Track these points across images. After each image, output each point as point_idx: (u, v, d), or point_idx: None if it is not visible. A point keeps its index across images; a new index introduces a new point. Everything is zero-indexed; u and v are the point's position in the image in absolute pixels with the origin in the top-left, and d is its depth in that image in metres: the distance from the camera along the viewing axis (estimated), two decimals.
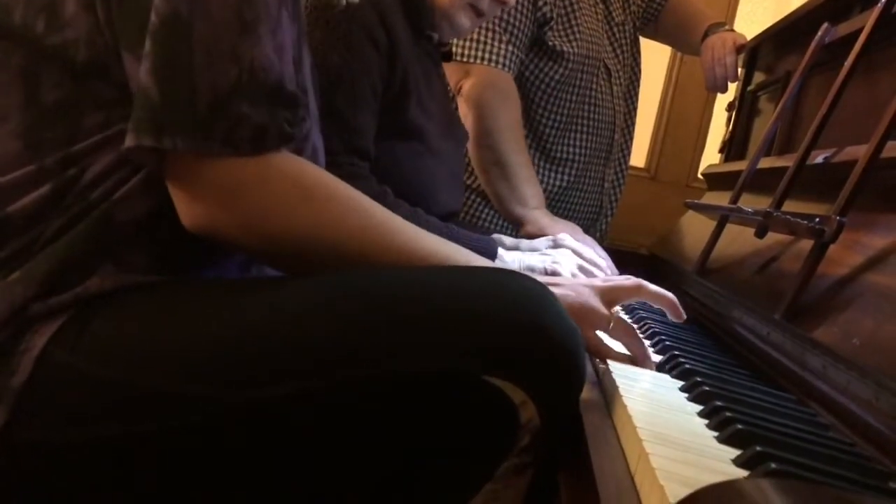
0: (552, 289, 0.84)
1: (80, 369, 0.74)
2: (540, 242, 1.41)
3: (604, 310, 0.93)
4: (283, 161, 0.80)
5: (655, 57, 2.47)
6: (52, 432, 0.74)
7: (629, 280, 0.98)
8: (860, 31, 1.12)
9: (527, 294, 0.77)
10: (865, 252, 0.92)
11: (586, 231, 1.74)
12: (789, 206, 1.12)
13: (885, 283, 0.84)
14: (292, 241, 0.81)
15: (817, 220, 0.94)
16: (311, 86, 0.98)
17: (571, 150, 1.97)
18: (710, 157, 2.41)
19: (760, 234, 1.11)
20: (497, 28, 1.77)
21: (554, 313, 0.77)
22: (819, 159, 1.14)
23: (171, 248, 0.83)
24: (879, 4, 1.06)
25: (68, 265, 0.78)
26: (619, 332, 0.95)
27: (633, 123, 2.12)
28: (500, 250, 1.31)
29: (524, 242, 1.44)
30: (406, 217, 1.23)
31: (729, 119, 1.96)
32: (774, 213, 1.05)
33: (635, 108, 2.12)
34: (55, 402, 0.74)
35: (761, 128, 1.79)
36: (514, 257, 1.29)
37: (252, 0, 0.78)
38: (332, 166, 0.95)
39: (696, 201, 1.60)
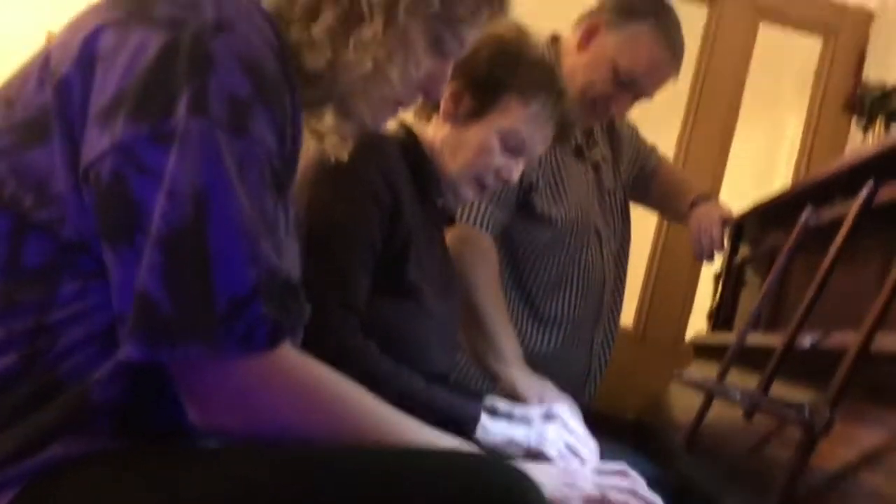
0: (537, 475, 0.83)
1: None
2: (533, 411, 1.38)
3: None
4: (287, 357, 0.81)
5: (643, 217, 2.50)
6: None
7: (623, 480, 0.97)
8: (842, 218, 1.15)
9: (508, 488, 0.76)
10: (856, 447, 0.90)
11: (574, 396, 1.72)
12: (777, 387, 1.11)
13: (877, 483, 0.83)
14: (293, 434, 0.81)
15: (807, 411, 0.93)
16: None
17: (562, 309, 1.96)
18: (698, 317, 2.42)
19: (748, 416, 1.10)
20: None
21: None
22: (807, 342, 1.15)
23: (141, 415, 0.81)
24: (860, 198, 1.09)
25: (36, 437, 0.76)
26: None
27: (624, 286, 2.14)
28: (484, 418, 1.29)
29: (518, 409, 1.41)
30: (388, 374, 1.23)
31: (716, 289, 1.98)
32: (762, 401, 1.05)
33: (625, 272, 2.14)
34: None
35: (748, 297, 1.81)
36: (499, 429, 1.27)
37: (261, 201, 0.79)
38: (322, 318, 0.96)
39: (684, 374, 1.60)
